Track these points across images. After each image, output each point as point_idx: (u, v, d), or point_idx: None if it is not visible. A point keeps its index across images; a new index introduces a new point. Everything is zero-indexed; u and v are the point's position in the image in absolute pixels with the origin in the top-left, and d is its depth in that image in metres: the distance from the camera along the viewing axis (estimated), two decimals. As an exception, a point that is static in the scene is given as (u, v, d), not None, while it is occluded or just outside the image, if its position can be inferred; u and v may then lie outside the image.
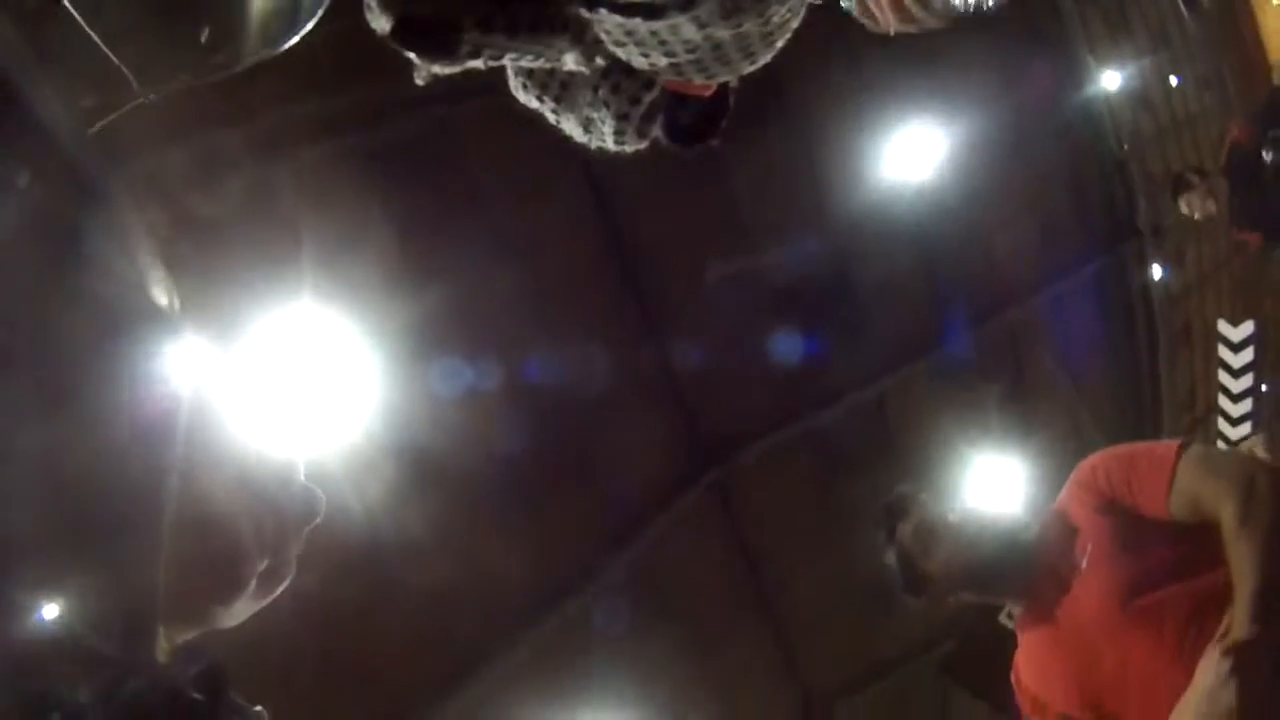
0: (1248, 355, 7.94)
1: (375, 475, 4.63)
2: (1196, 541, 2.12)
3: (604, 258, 6.05)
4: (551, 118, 2.03)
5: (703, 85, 1.96)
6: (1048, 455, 7.42)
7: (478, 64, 1.85)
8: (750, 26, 1.79)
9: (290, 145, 4.24)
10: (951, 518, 2.41)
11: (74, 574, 0.93)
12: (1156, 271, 8.59)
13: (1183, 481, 2.15)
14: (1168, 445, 2.26)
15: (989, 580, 2.40)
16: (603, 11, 1.77)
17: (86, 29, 1.34)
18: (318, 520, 1.23)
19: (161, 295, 1.17)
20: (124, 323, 1.07)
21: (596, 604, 6.11)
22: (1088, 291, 8.58)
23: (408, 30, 1.77)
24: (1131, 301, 8.72)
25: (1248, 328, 7.91)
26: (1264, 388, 7.87)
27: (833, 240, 6.90)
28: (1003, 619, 5.52)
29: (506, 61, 1.89)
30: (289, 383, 4.26)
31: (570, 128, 2.02)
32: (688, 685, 6.52)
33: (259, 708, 1.19)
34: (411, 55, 1.84)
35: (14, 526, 0.90)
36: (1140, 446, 2.32)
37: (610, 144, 1.99)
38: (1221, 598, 2.03)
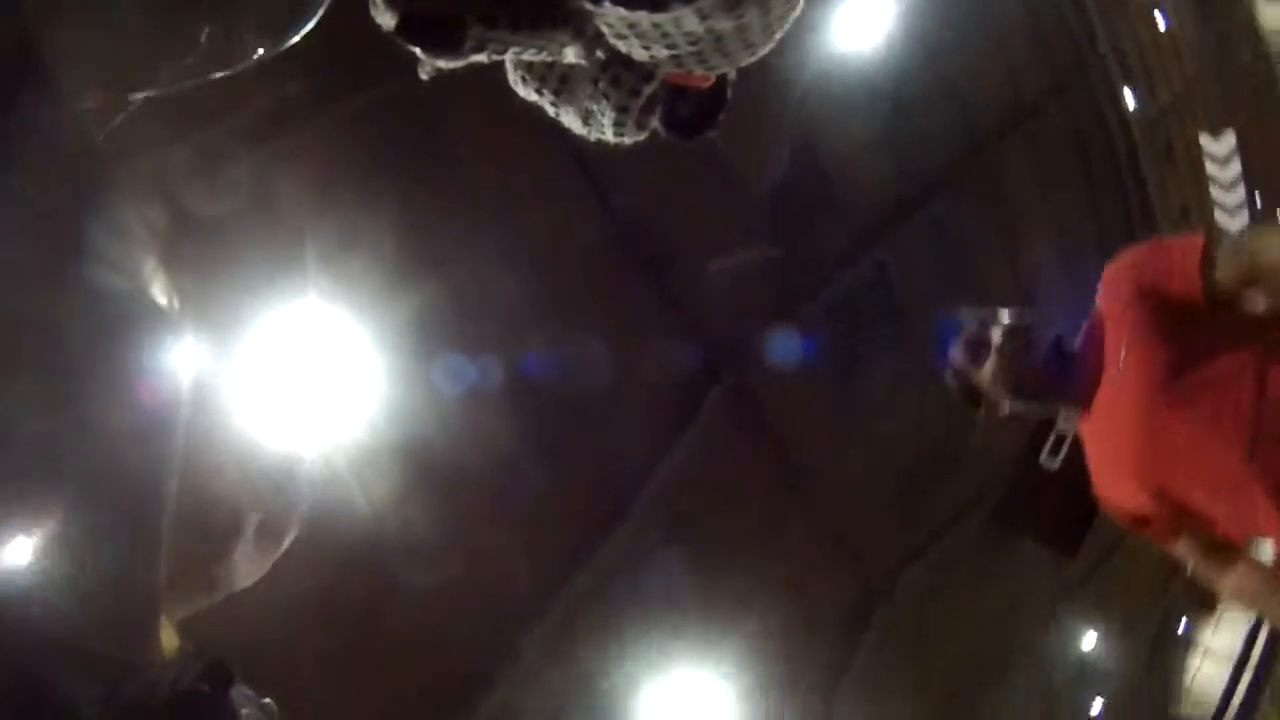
0: (1235, 168, 7.92)
1: (381, 471, 4.58)
2: (1226, 322, 2.18)
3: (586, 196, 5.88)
4: (550, 110, 2.05)
5: (701, 77, 1.98)
6: (1047, 292, 7.42)
7: (481, 58, 1.87)
8: (752, 18, 1.79)
9: (288, 141, 4.14)
10: (997, 331, 2.45)
11: (74, 574, 0.93)
12: (1129, 98, 8.48)
13: (1224, 246, 2.21)
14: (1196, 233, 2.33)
15: (1035, 388, 2.44)
16: (606, 4, 1.76)
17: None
18: (309, 463, 1.26)
19: (161, 293, 1.18)
20: (125, 321, 1.07)
21: (636, 542, 6.12)
22: (1064, 124, 8.50)
23: (412, 26, 1.79)
24: (1109, 129, 8.66)
25: (1230, 139, 7.86)
26: (1259, 201, 7.86)
27: (799, 117, 6.76)
28: (1043, 460, 5.56)
29: (509, 55, 1.91)
30: (295, 379, 4.17)
31: (569, 120, 2.05)
32: (747, 596, 6.57)
33: (268, 699, 1.19)
34: (416, 51, 1.84)
35: (15, 526, 0.89)
36: (1169, 237, 2.41)
37: (609, 136, 2.02)
38: (1255, 372, 2.11)
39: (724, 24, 1.78)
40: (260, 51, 1.65)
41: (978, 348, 2.44)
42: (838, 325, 7.20)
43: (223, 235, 3.62)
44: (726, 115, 2.10)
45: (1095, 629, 11.47)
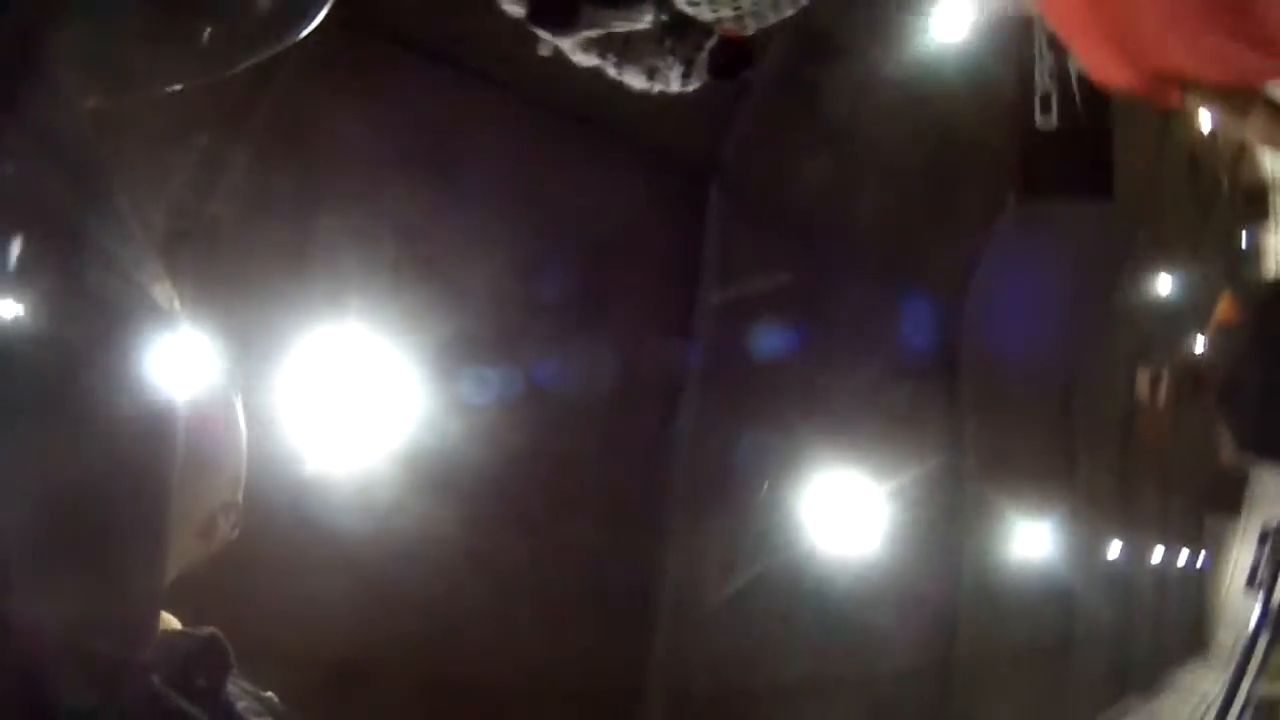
0: None
1: (398, 481, 4.55)
2: None
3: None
4: (612, 72, 2.29)
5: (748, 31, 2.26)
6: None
7: (591, 34, 2.16)
8: None
9: (286, 142, 4.10)
10: None
11: (75, 576, 0.93)
12: None
13: None
14: None
15: None
16: None
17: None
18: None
19: (161, 294, 1.18)
20: (124, 321, 1.07)
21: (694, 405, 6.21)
22: None
23: (539, 12, 2.08)
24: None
25: None
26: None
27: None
28: (1039, 123, 5.51)
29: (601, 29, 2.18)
30: (297, 388, 4.16)
31: (632, 78, 2.29)
32: (838, 388, 6.71)
33: (269, 693, 1.19)
34: (543, 34, 2.15)
35: (14, 528, 0.90)
36: None
37: (675, 87, 2.28)
38: None
39: None
40: (262, 51, 1.64)
41: None
42: (797, 92, 6.80)
43: (221, 239, 3.60)
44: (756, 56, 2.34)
45: (1164, 272, 11.41)
